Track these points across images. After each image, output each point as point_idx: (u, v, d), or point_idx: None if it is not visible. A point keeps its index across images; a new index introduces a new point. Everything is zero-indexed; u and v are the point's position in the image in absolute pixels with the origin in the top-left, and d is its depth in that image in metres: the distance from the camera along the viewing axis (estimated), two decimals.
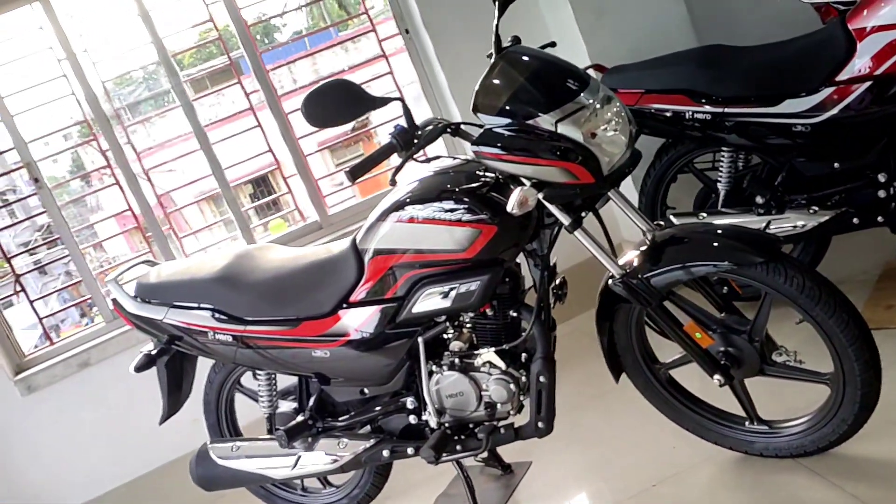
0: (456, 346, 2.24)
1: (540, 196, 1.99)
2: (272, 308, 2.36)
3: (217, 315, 2.42)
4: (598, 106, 1.98)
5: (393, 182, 2.03)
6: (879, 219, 2.75)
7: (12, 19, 3.51)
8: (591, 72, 3.21)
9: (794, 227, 2.82)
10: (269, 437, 2.55)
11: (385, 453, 2.39)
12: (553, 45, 2.46)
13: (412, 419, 2.38)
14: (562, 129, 1.94)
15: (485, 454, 2.50)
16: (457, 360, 2.25)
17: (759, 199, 2.90)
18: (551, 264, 2.21)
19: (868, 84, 2.56)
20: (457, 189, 2.10)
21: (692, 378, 2.31)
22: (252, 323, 2.38)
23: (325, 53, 5.66)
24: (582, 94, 1.98)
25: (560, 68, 2.06)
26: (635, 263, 2.09)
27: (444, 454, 2.28)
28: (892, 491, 1.97)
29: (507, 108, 1.99)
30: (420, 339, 2.24)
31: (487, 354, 2.21)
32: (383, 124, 3.73)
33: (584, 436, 2.77)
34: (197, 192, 4.60)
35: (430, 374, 2.27)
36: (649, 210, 3.27)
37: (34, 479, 3.34)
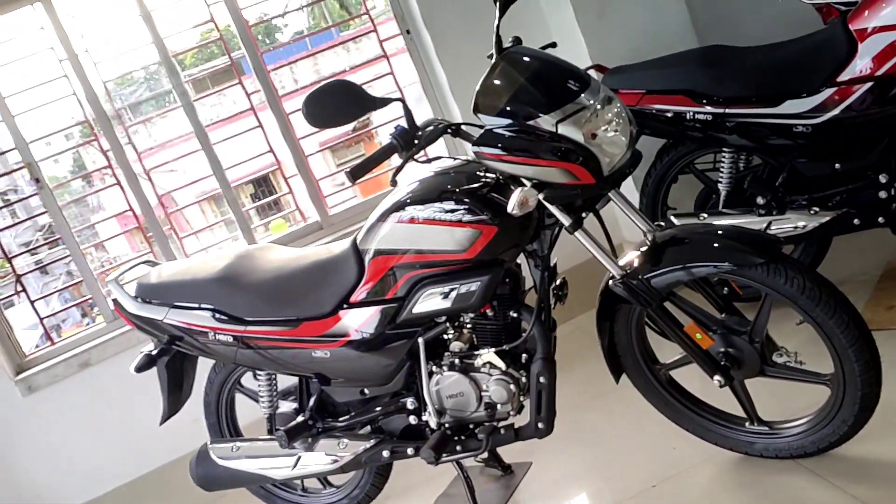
0: (456, 346, 2.24)
1: (540, 197, 1.99)
2: (272, 308, 2.36)
3: (217, 315, 2.42)
4: (598, 107, 1.98)
5: (393, 182, 2.03)
6: (880, 219, 2.75)
7: (14, 19, 3.51)
8: (592, 72, 3.21)
9: (795, 227, 2.82)
10: (269, 437, 2.55)
11: (385, 454, 2.39)
12: (554, 45, 2.46)
13: (412, 419, 2.38)
14: (562, 129, 1.94)
15: (485, 455, 2.50)
16: (457, 361, 2.25)
17: (759, 200, 2.89)
18: (552, 265, 2.21)
19: (869, 85, 2.55)
20: (457, 190, 2.10)
21: (692, 379, 2.31)
22: (252, 323, 2.38)
23: (326, 54, 5.67)
24: (583, 95, 1.98)
25: (561, 69, 2.05)
26: (636, 264, 2.10)
27: (444, 455, 2.28)
28: (892, 492, 1.96)
29: (508, 108, 1.99)
30: (420, 340, 2.24)
31: (488, 355, 2.21)
32: (384, 125, 3.73)
33: (584, 436, 2.77)
34: (198, 192, 4.61)
35: (431, 374, 2.27)
36: (650, 210, 3.27)
37: (35, 478, 3.34)
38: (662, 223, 2.27)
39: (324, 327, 2.31)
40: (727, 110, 2.82)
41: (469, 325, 2.25)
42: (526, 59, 2.06)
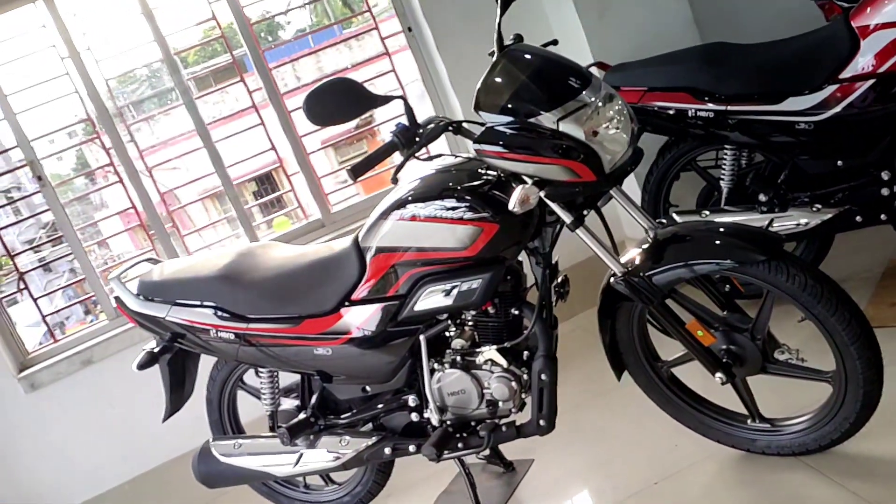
0: (458, 343, 2.24)
1: (541, 194, 1.99)
2: (274, 306, 2.36)
3: (219, 313, 2.43)
4: (599, 104, 1.98)
5: (394, 181, 2.04)
6: (882, 217, 2.74)
7: (15, 18, 3.52)
8: (593, 69, 3.21)
9: (797, 224, 2.82)
10: (271, 434, 2.56)
11: (387, 451, 2.40)
12: (555, 42, 2.47)
13: (414, 417, 2.39)
14: (563, 127, 1.94)
15: (487, 452, 2.50)
16: (458, 358, 2.25)
17: (762, 197, 2.89)
18: (553, 262, 2.21)
19: (871, 82, 2.55)
20: (459, 187, 2.10)
21: (694, 376, 2.31)
22: (254, 321, 2.39)
23: (328, 51, 5.67)
24: (584, 92, 1.97)
25: (562, 66, 2.05)
26: (637, 261, 2.10)
27: (446, 452, 2.28)
28: (893, 489, 1.96)
29: (509, 106, 1.99)
30: (422, 337, 2.24)
31: (489, 352, 2.21)
32: (386, 122, 3.73)
33: (586, 433, 2.77)
34: (201, 189, 4.60)
35: (432, 371, 2.27)
36: (652, 208, 3.26)
37: (37, 475, 3.35)
38: (664, 220, 2.27)
39: (325, 325, 2.31)
40: (729, 107, 2.82)
41: (471, 323, 2.25)
42: (527, 56, 2.06)
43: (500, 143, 2.00)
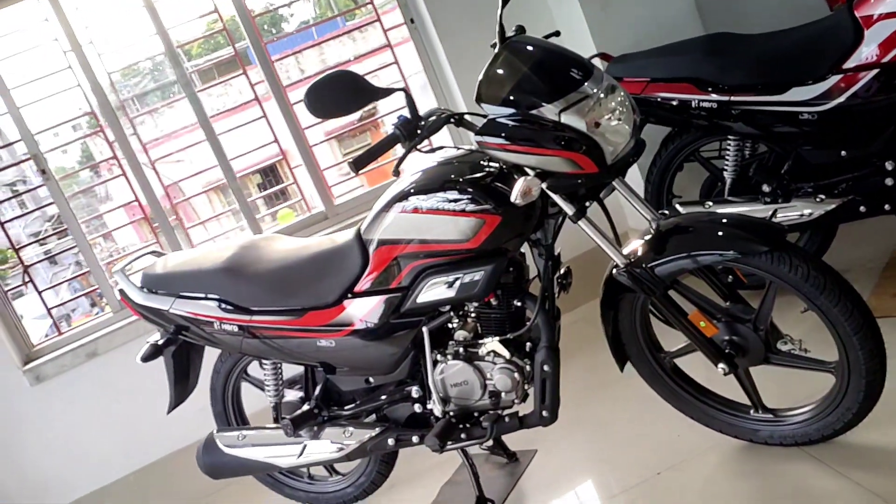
0: (461, 335, 2.24)
1: (543, 186, 2.00)
2: (277, 298, 2.37)
3: (223, 305, 2.44)
4: (601, 95, 1.97)
5: (396, 173, 2.04)
6: (886, 207, 2.73)
7: (18, 11, 3.52)
8: (596, 60, 3.20)
9: (801, 215, 2.82)
10: (275, 425, 2.57)
11: (390, 442, 2.41)
12: (557, 34, 2.46)
13: (417, 408, 2.40)
14: (565, 118, 1.94)
15: (490, 442, 2.51)
16: (461, 350, 2.26)
17: (765, 188, 2.89)
18: (556, 254, 2.21)
19: (875, 72, 2.54)
20: (461, 179, 2.10)
21: (697, 367, 2.31)
22: (258, 313, 2.40)
23: (332, 43, 5.66)
24: (586, 84, 1.97)
25: (564, 58, 2.05)
26: (639, 253, 2.10)
27: (449, 443, 2.30)
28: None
29: (511, 97, 1.99)
30: (425, 329, 2.25)
31: (492, 344, 2.22)
32: (390, 114, 3.73)
33: (589, 424, 2.78)
34: (205, 182, 4.61)
35: (435, 363, 2.28)
36: (655, 199, 3.26)
37: (43, 467, 3.36)
38: (667, 212, 2.27)
39: (328, 317, 2.32)
40: (732, 98, 2.81)
41: (473, 315, 2.25)
42: (529, 48, 2.05)
43: (502, 134, 2.00)
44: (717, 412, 2.32)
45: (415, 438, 2.38)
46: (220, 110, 3.98)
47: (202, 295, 2.47)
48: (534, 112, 1.97)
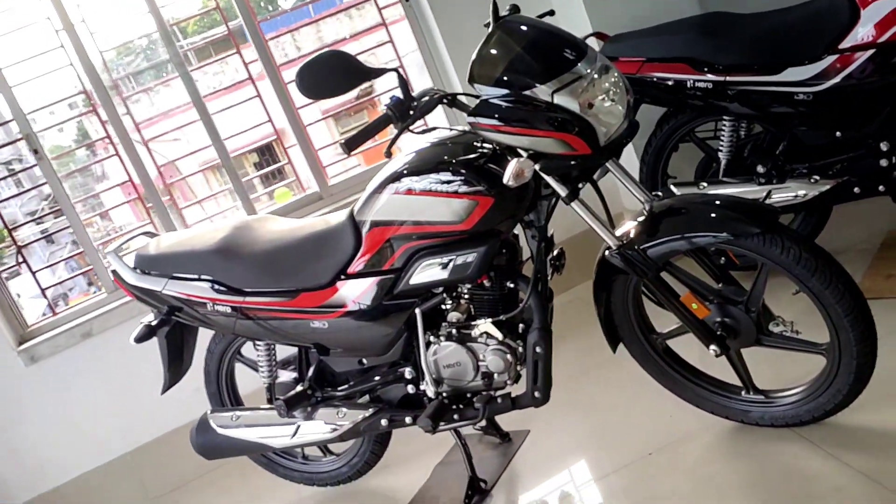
0: (454, 316, 2.25)
1: (536, 167, 1.99)
2: (271, 279, 2.37)
3: (216, 286, 2.44)
4: (595, 76, 1.96)
5: (388, 154, 2.03)
6: (881, 188, 2.74)
7: None
8: (592, 40, 3.18)
9: (795, 196, 2.82)
10: (268, 406, 2.58)
11: (383, 422, 2.42)
12: (552, 13, 2.44)
13: (410, 389, 2.40)
14: (558, 99, 1.92)
15: (483, 423, 2.52)
16: (454, 331, 2.27)
17: (760, 169, 2.88)
18: (549, 235, 2.21)
19: (871, 52, 2.53)
20: (454, 160, 2.09)
21: (690, 348, 2.31)
22: (251, 294, 2.40)
23: (329, 21, 5.61)
24: (579, 64, 1.96)
25: (557, 38, 2.03)
26: (632, 234, 2.10)
27: (442, 423, 2.31)
28: (886, 460, 1.97)
29: (504, 78, 1.97)
30: (417, 311, 2.25)
31: (485, 325, 2.22)
32: (387, 92, 3.69)
33: (582, 404, 2.79)
34: (202, 161, 4.59)
35: (428, 344, 2.28)
36: (650, 179, 3.25)
37: (38, 448, 3.38)
38: (660, 193, 2.26)
39: (322, 298, 2.32)
40: (728, 78, 2.79)
41: (466, 296, 2.26)
42: (522, 28, 2.03)
43: (495, 116, 1.99)
44: (709, 393, 2.33)
45: (408, 419, 2.39)
46: (215, 89, 3.95)
47: (195, 276, 2.47)
48: (527, 93, 1.95)
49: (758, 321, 2.11)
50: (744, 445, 2.25)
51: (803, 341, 2.12)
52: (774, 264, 1.98)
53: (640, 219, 2.12)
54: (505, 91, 1.97)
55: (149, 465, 3.44)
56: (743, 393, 2.28)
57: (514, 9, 2.16)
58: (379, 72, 2.03)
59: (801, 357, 2.16)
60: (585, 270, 2.30)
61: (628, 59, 3.00)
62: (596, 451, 2.55)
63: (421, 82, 3.88)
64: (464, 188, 2.05)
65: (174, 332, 2.65)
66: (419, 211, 2.12)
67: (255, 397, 2.80)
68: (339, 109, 4.86)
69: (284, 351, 2.62)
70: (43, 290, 3.55)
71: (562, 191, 2.04)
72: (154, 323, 2.59)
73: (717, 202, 2.06)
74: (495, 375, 2.25)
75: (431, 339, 2.28)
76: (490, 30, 2.04)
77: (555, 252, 2.27)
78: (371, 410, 2.43)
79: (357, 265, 2.26)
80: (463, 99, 2.14)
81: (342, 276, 2.29)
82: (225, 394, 2.84)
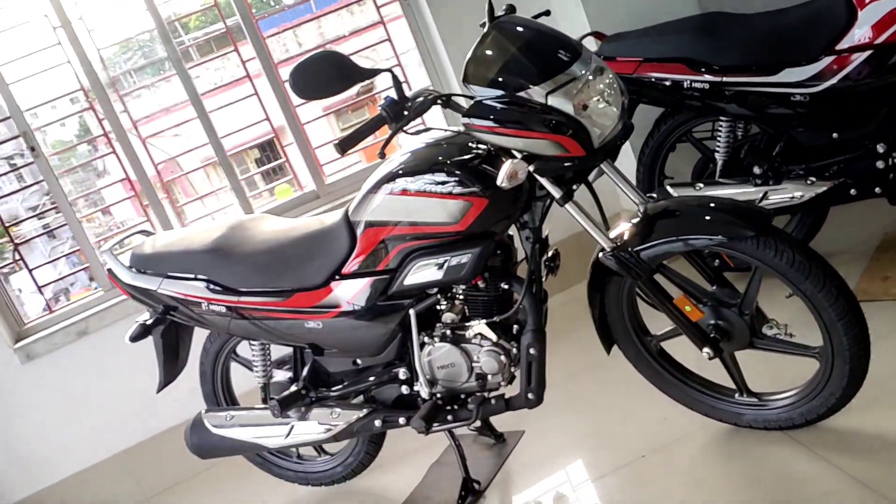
0: (448, 317, 2.25)
1: (530, 169, 1.98)
2: (265, 279, 2.37)
3: (211, 286, 2.43)
4: (590, 77, 1.95)
5: (381, 155, 2.02)
6: (877, 190, 2.73)
7: None
8: (590, 39, 3.17)
9: (792, 197, 2.81)
10: (263, 406, 2.58)
11: (377, 423, 2.41)
12: (547, 13, 2.42)
13: (404, 390, 2.40)
14: (552, 101, 1.92)
15: (477, 423, 2.52)
16: (448, 332, 2.26)
17: (756, 170, 2.87)
18: (543, 236, 2.21)
19: (868, 53, 2.52)
20: (448, 161, 2.08)
21: (685, 350, 2.30)
22: (245, 294, 2.40)
23: (330, 17, 5.60)
24: (574, 65, 1.95)
25: (552, 39, 2.02)
26: (626, 236, 2.09)
27: (436, 424, 2.31)
28: (878, 465, 1.97)
29: (498, 79, 1.96)
30: (412, 311, 2.25)
31: (479, 326, 2.22)
32: (389, 89, 3.68)
33: (577, 405, 2.78)
34: (203, 157, 4.58)
35: (423, 345, 2.28)
36: (647, 179, 3.25)
37: (34, 445, 3.38)
38: (654, 195, 2.26)
39: (316, 298, 2.32)
40: (725, 79, 2.78)
41: (461, 297, 2.25)
42: (517, 29, 2.03)
43: (489, 117, 1.98)
44: (702, 395, 2.32)
45: (401, 420, 2.39)
46: (213, 87, 3.94)
47: (190, 275, 2.47)
48: (521, 94, 1.94)
49: (751, 324, 2.11)
50: (737, 448, 2.25)
51: (797, 344, 2.12)
52: (768, 267, 1.98)
53: (635, 220, 2.11)
54: (499, 92, 1.97)
55: (144, 464, 3.44)
56: (736, 395, 2.27)
57: (510, 9, 2.16)
58: (373, 72, 2.03)
59: (796, 359, 2.15)
60: (582, 270, 2.30)
61: (625, 58, 2.99)
62: (590, 453, 2.55)
63: (419, 80, 3.87)
64: (458, 189, 2.05)
65: (169, 332, 2.64)
66: (414, 211, 2.11)
67: (251, 397, 2.80)
68: (339, 106, 4.85)
69: (280, 350, 2.62)
70: (39, 288, 3.55)
71: (556, 192, 2.04)
72: (149, 322, 2.59)
73: (711, 204, 2.05)
74: (489, 377, 2.24)
75: (426, 339, 2.28)
76: (485, 30, 2.04)
77: (549, 253, 2.27)
78: (365, 411, 2.42)
79: (351, 266, 2.26)
80: (457, 100, 2.14)
81: (336, 277, 2.29)
82: (220, 393, 2.84)
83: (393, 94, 2.05)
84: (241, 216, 2.60)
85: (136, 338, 2.57)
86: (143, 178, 3.63)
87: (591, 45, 3.12)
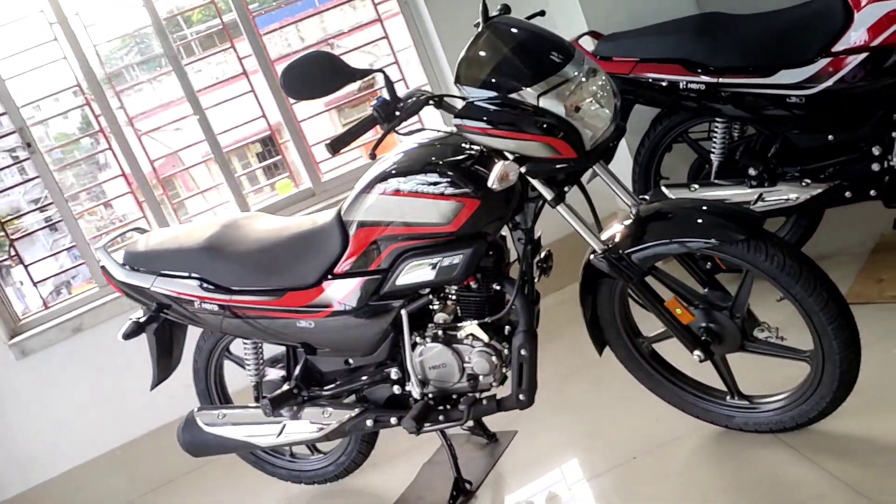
0: (440, 318, 2.25)
1: (522, 170, 1.98)
2: (257, 278, 2.37)
3: (203, 284, 2.43)
4: (583, 79, 1.95)
5: (372, 156, 2.01)
6: (872, 192, 2.72)
7: None
8: (587, 38, 3.16)
9: (787, 199, 2.80)
10: (255, 405, 2.57)
11: (369, 423, 2.41)
12: (542, 13, 2.42)
13: (396, 389, 2.40)
14: (544, 103, 1.91)
15: (470, 423, 2.52)
16: (440, 332, 2.26)
17: (751, 171, 2.86)
18: (535, 238, 2.20)
19: (864, 56, 2.52)
20: (441, 162, 2.08)
21: (677, 351, 2.29)
22: (238, 293, 2.40)
23: (333, 12, 5.58)
24: (566, 67, 1.94)
25: (544, 40, 2.01)
26: (617, 239, 2.09)
27: (427, 424, 2.30)
28: (868, 469, 1.97)
29: (491, 80, 1.96)
30: (403, 312, 2.25)
31: (471, 327, 2.22)
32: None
33: (570, 406, 2.78)
34: (205, 151, 4.58)
35: (414, 345, 2.28)
36: (643, 180, 3.24)
37: (29, 441, 3.38)
38: (646, 197, 2.25)
39: (308, 298, 2.32)
40: (721, 80, 2.78)
41: (453, 297, 2.25)
42: (509, 30, 2.02)
43: (481, 118, 1.97)
44: (694, 398, 2.32)
45: (393, 420, 2.38)
46: (210, 83, 3.92)
47: (183, 274, 2.47)
48: (513, 95, 1.94)
49: (742, 327, 2.10)
50: (728, 450, 2.25)
51: (787, 348, 2.12)
52: (758, 271, 1.97)
53: (627, 222, 2.11)
54: (491, 93, 1.96)
55: (138, 461, 3.44)
56: (728, 398, 2.27)
57: (505, 9, 2.15)
58: (364, 72, 2.02)
59: (787, 363, 2.15)
60: (577, 271, 2.30)
61: (622, 58, 2.98)
62: (582, 453, 2.55)
63: (417, 78, 3.86)
64: (450, 190, 2.05)
65: (163, 329, 2.64)
66: (406, 212, 2.11)
67: (245, 394, 2.80)
68: (342, 101, 4.82)
69: (273, 348, 2.61)
70: (35, 284, 3.55)
71: (547, 194, 2.03)
72: (142, 319, 2.59)
73: (703, 207, 2.04)
74: (481, 377, 2.24)
75: (417, 340, 2.28)
76: (478, 31, 2.03)
77: (542, 254, 2.27)
78: (357, 410, 2.42)
79: (344, 265, 2.26)
80: (450, 100, 2.13)
81: (329, 276, 2.29)
82: (214, 391, 2.84)
83: (385, 94, 2.05)
84: (235, 214, 2.60)
85: (129, 335, 2.57)
86: (138, 174, 3.63)
87: (588, 44, 3.12)
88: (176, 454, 2.83)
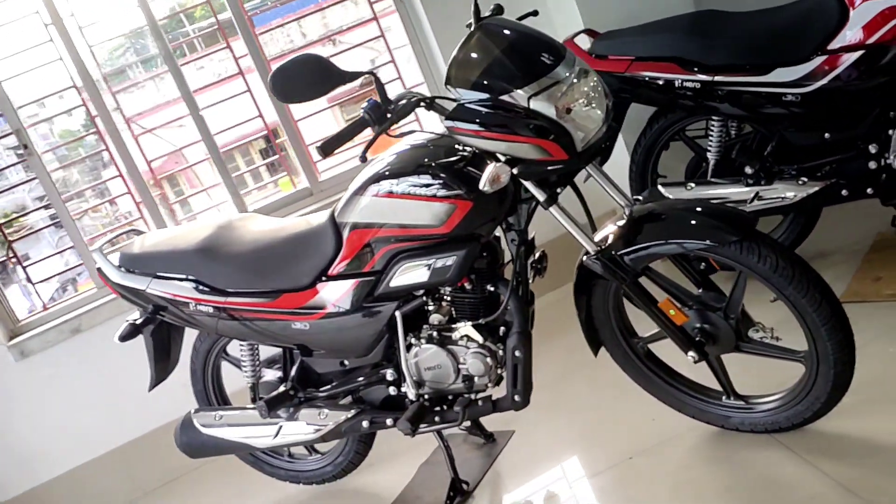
0: (435, 319, 2.25)
1: (513, 172, 1.98)
2: (252, 280, 2.37)
3: (199, 286, 2.44)
4: (574, 80, 1.95)
5: (363, 159, 2.01)
6: (869, 190, 2.71)
7: None
8: (583, 37, 3.14)
9: (783, 198, 2.80)
10: (252, 406, 2.58)
11: (365, 424, 2.42)
12: (535, 13, 2.41)
13: (392, 391, 2.40)
14: (534, 104, 1.91)
15: (467, 423, 2.52)
16: (435, 334, 2.26)
17: (748, 170, 2.85)
18: (529, 238, 2.20)
19: (859, 54, 2.50)
20: (433, 164, 2.08)
21: (672, 352, 2.29)
22: (233, 294, 2.40)
23: (334, 9, 5.57)
24: (557, 69, 1.94)
25: (535, 41, 2.01)
26: (610, 240, 2.08)
27: (423, 426, 2.31)
28: (862, 469, 1.97)
29: (482, 82, 1.95)
30: (398, 313, 2.25)
31: (465, 328, 2.22)
32: (391, 82, 3.67)
33: (566, 406, 2.78)
34: (204, 151, 4.57)
35: (409, 346, 2.28)
36: (640, 178, 3.23)
37: (28, 442, 3.39)
38: (640, 197, 2.25)
39: (302, 300, 2.32)
40: (717, 78, 2.76)
41: (447, 299, 2.25)
42: (501, 31, 2.01)
43: (472, 120, 1.98)
44: (690, 398, 2.32)
45: (388, 421, 2.39)
46: (207, 83, 3.92)
47: (178, 276, 2.47)
48: (504, 97, 1.94)
49: (737, 328, 2.10)
50: (723, 451, 2.25)
51: (782, 348, 2.11)
52: (752, 272, 1.97)
53: (620, 223, 2.10)
54: (482, 95, 1.96)
55: (138, 461, 3.45)
56: (723, 398, 2.27)
57: (498, 9, 2.15)
58: (354, 75, 2.01)
59: (783, 363, 2.15)
60: (571, 271, 2.29)
61: (618, 56, 2.97)
62: (578, 453, 2.54)
63: (414, 76, 3.85)
64: (443, 192, 2.05)
65: (160, 331, 2.65)
66: (399, 214, 2.11)
67: (243, 395, 2.80)
68: (345, 98, 4.80)
69: (270, 349, 2.61)
70: (34, 285, 3.55)
71: (540, 196, 2.03)
72: (139, 321, 2.59)
73: (697, 208, 2.04)
74: (476, 378, 2.24)
75: (412, 341, 2.28)
76: (469, 32, 2.03)
77: (536, 255, 2.26)
78: (353, 412, 2.43)
79: (338, 267, 2.26)
80: (442, 102, 2.13)
81: (323, 278, 2.29)
82: (211, 392, 2.85)
83: (376, 96, 2.05)
84: (230, 215, 2.60)
85: (125, 337, 2.58)
86: (135, 174, 3.62)
87: (583, 42, 3.10)
88: (175, 454, 2.84)
